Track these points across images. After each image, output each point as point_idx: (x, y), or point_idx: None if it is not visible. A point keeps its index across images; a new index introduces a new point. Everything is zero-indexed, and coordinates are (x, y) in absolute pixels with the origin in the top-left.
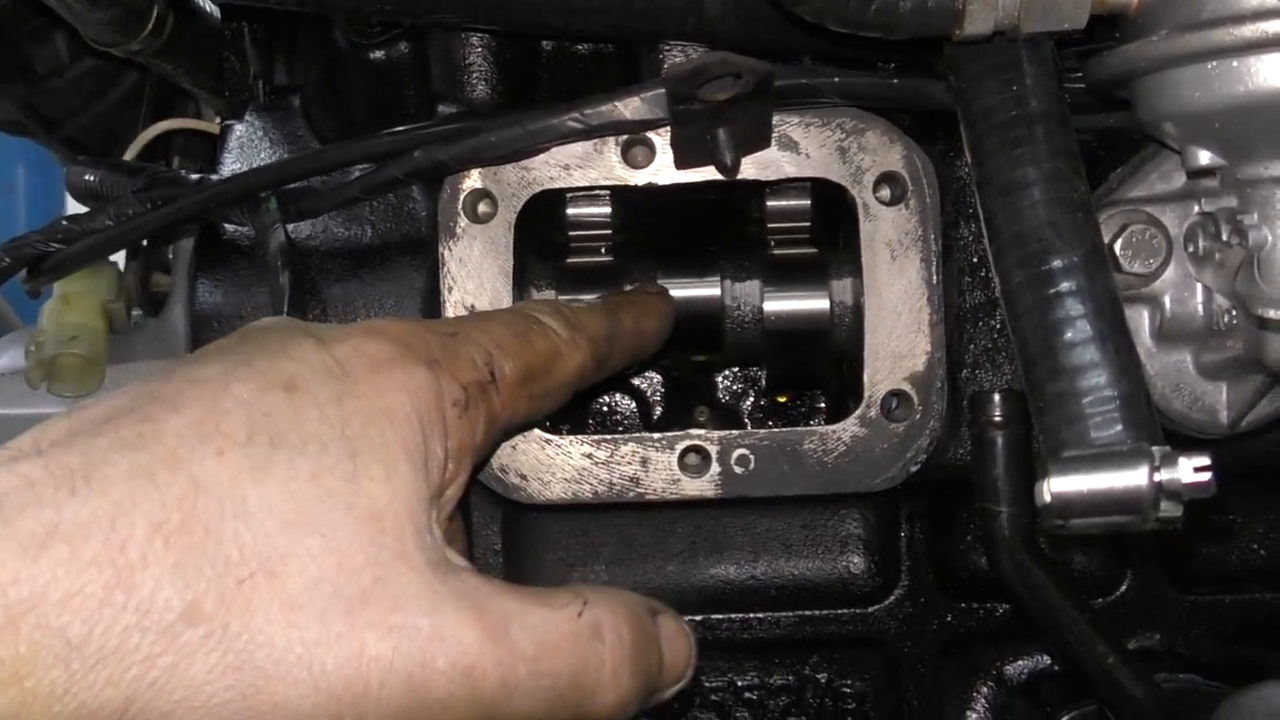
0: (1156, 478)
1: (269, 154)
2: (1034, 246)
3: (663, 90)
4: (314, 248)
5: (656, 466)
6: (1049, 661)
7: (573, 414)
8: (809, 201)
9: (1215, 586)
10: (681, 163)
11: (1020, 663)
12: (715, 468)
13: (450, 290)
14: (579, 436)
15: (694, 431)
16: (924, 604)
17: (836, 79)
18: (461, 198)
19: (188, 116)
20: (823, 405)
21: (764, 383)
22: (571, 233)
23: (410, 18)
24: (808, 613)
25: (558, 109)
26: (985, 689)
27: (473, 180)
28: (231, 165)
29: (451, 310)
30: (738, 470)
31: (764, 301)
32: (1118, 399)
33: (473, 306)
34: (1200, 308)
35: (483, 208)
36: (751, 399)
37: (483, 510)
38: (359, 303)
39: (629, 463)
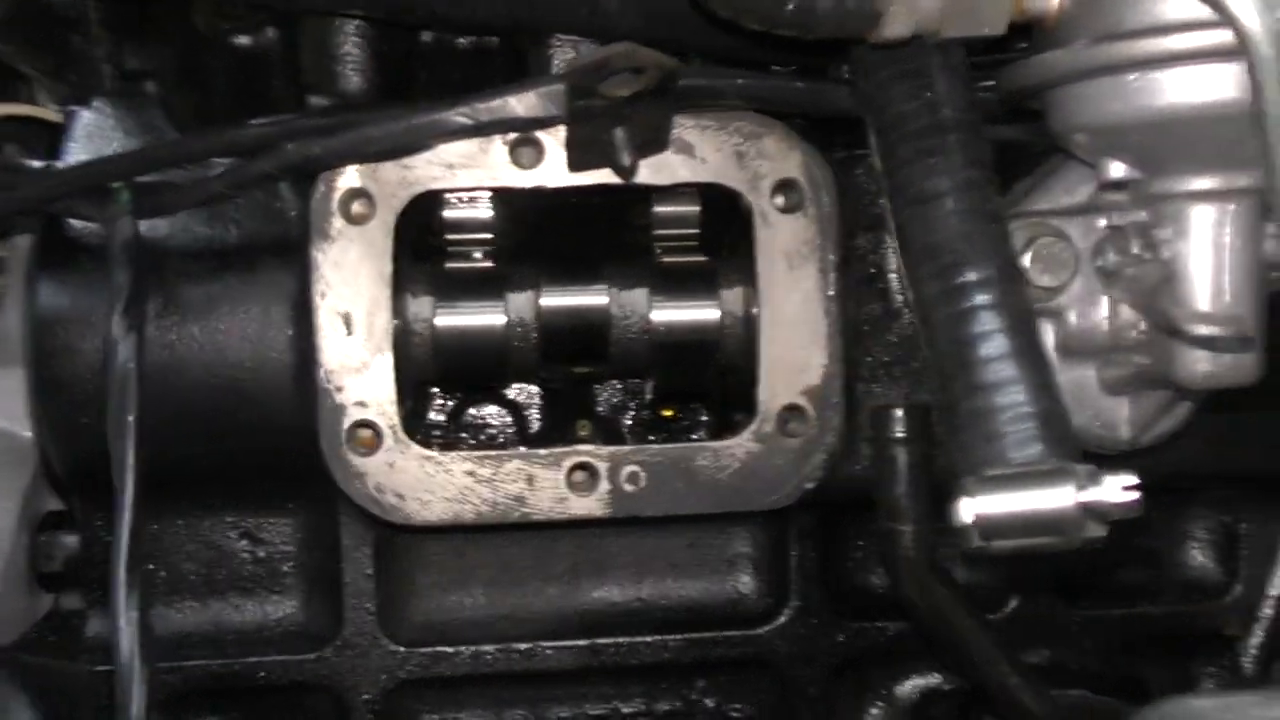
0: (1082, 498)
1: (122, 144)
2: (948, 259)
3: (559, 86)
4: (172, 248)
5: (543, 484)
6: (939, 680)
7: (445, 429)
8: (698, 207)
9: (1103, 601)
10: (576, 164)
11: (911, 682)
12: (605, 485)
13: (323, 296)
14: (460, 453)
15: (582, 447)
16: (815, 624)
17: (740, 80)
18: (336, 196)
19: (21, 101)
20: (705, 419)
21: (649, 395)
22: (449, 235)
23: (280, 2)
24: (695, 635)
25: (445, 103)
26: (876, 709)
27: (349, 178)
28: (79, 155)
29: (325, 319)
30: (628, 488)
31: (652, 311)
32: (1036, 416)
33: (348, 314)
34: (1105, 322)
35: (359, 208)
36: (633, 411)
37: (353, 532)
38: (223, 308)
39: (514, 480)
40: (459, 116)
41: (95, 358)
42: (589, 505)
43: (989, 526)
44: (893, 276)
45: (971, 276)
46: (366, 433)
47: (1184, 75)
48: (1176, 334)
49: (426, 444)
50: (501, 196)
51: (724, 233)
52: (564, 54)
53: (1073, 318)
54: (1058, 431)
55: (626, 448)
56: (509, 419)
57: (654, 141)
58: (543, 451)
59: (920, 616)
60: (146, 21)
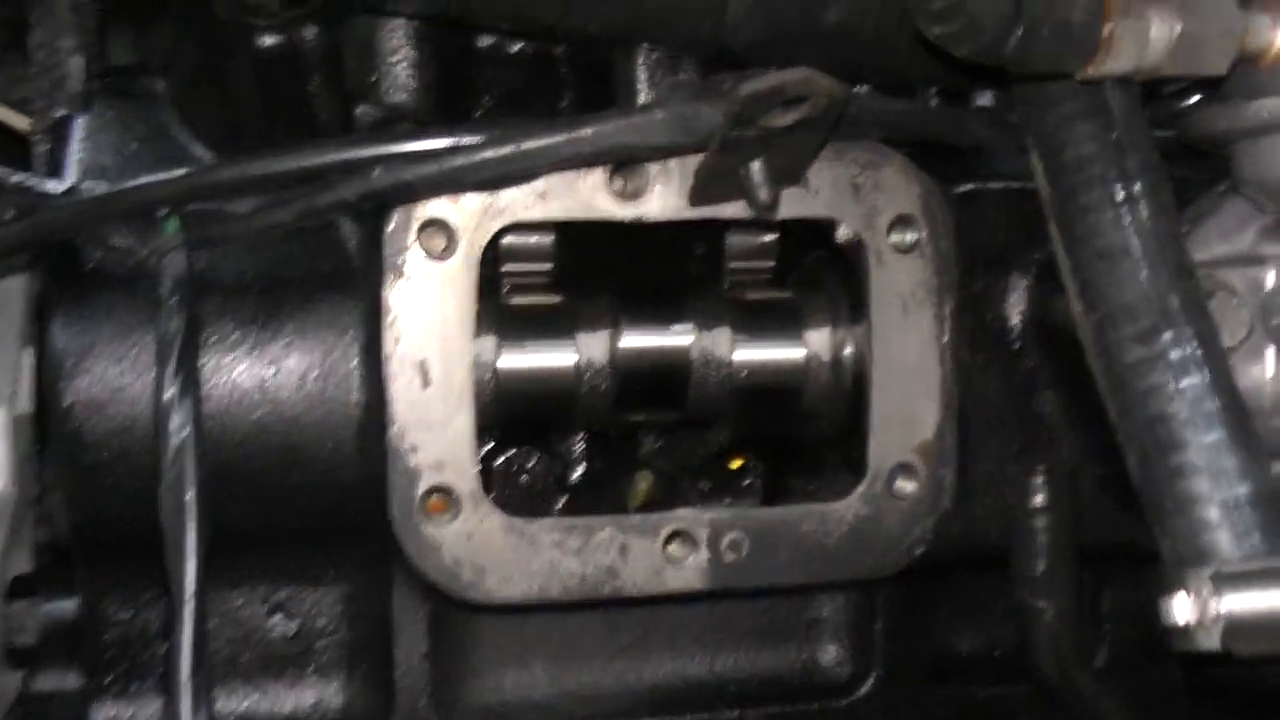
0: None
1: (133, 156)
2: (1150, 321)
3: (687, 108)
4: (214, 281)
5: (637, 555)
6: None
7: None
8: (776, 236)
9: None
10: (700, 197)
11: None
12: (704, 554)
13: (397, 342)
14: (548, 521)
15: (681, 512)
16: (900, 693)
17: (878, 106)
18: (414, 228)
19: None
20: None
21: (715, 444)
22: (506, 266)
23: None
24: (774, 709)
25: (557, 125)
26: None
27: (427, 208)
28: (84, 169)
29: (398, 368)
30: (729, 557)
31: (735, 353)
32: (1257, 503)
33: (424, 363)
34: (1269, 385)
35: (439, 241)
36: (682, 459)
37: (407, 605)
38: (275, 354)
39: (606, 550)
40: (578, 143)
41: (124, 410)
42: (687, 577)
43: (1237, 629)
44: (1014, 320)
45: (1179, 344)
46: (442, 498)
47: None
48: None
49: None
50: (564, 222)
51: (792, 264)
52: (657, 69)
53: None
54: (1278, 519)
55: (728, 512)
56: (548, 467)
57: (790, 174)
58: (637, 518)
59: (1058, 696)
60: (154, 7)
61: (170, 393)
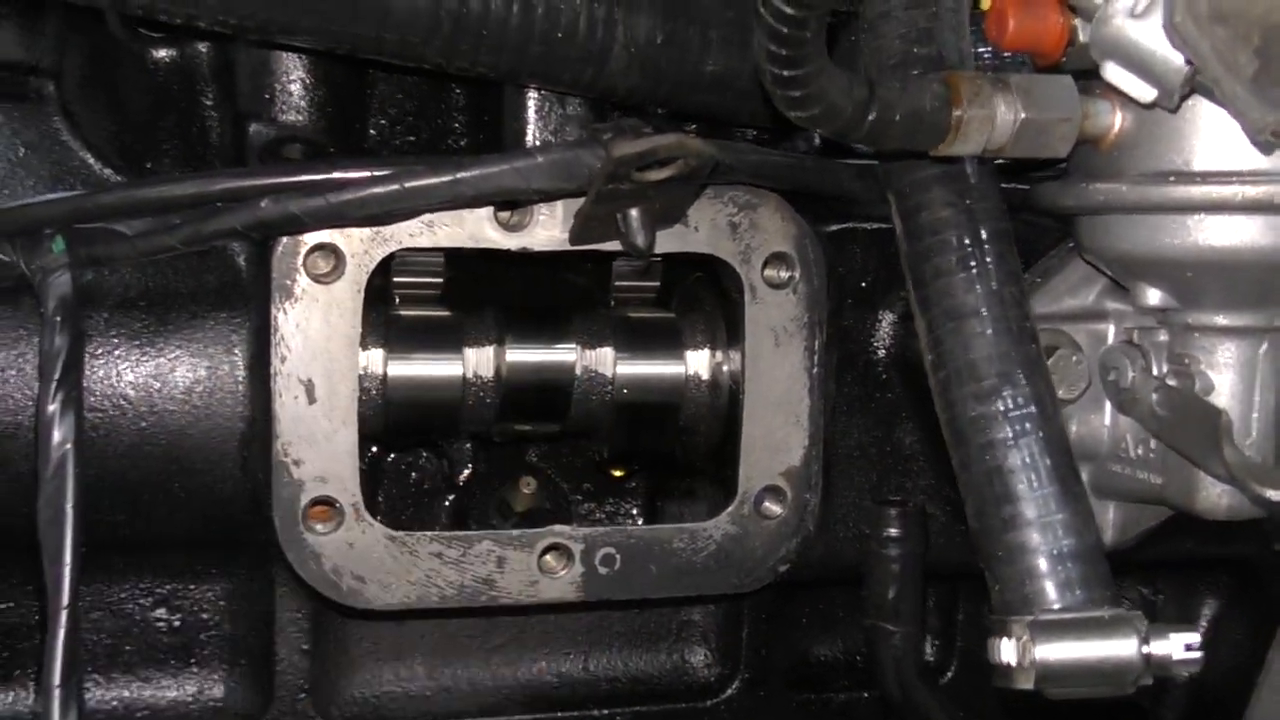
0: (1146, 650)
1: (20, 163)
2: (991, 381)
3: (567, 154)
4: (102, 294)
5: (514, 566)
6: None
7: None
8: (659, 260)
9: None
10: (580, 238)
11: None
12: (578, 568)
13: (284, 360)
14: (427, 533)
15: (557, 528)
16: (763, 697)
17: (753, 158)
18: (302, 252)
19: None
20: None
21: (602, 455)
22: (397, 279)
23: (246, 33)
24: (643, 708)
25: (442, 166)
26: None
27: (317, 233)
28: None
29: (284, 385)
30: (602, 571)
31: (617, 370)
32: (1080, 557)
33: (310, 381)
34: (1105, 432)
35: (326, 265)
36: (568, 460)
37: (288, 607)
38: (162, 367)
39: (484, 562)
40: (462, 185)
41: (5, 419)
42: (561, 589)
43: (1048, 674)
44: (879, 354)
45: (1017, 403)
46: (325, 509)
47: (1237, 221)
48: (1216, 474)
49: (390, 522)
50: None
51: (676, 282)
52: (545, 104)
53: (1074, 425)
54: (1098, 572)
55: (602, 529)
56: (437, 466)
57: (668, 218)
58: (515, 533)
59: (898, 710)
60: (40, 7)
61: (52, 408)
